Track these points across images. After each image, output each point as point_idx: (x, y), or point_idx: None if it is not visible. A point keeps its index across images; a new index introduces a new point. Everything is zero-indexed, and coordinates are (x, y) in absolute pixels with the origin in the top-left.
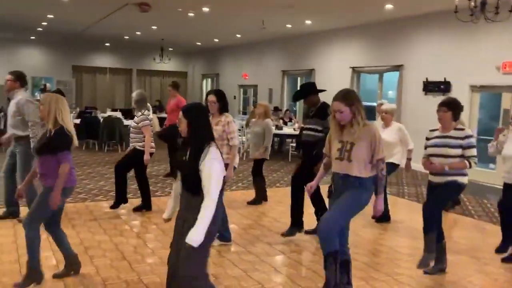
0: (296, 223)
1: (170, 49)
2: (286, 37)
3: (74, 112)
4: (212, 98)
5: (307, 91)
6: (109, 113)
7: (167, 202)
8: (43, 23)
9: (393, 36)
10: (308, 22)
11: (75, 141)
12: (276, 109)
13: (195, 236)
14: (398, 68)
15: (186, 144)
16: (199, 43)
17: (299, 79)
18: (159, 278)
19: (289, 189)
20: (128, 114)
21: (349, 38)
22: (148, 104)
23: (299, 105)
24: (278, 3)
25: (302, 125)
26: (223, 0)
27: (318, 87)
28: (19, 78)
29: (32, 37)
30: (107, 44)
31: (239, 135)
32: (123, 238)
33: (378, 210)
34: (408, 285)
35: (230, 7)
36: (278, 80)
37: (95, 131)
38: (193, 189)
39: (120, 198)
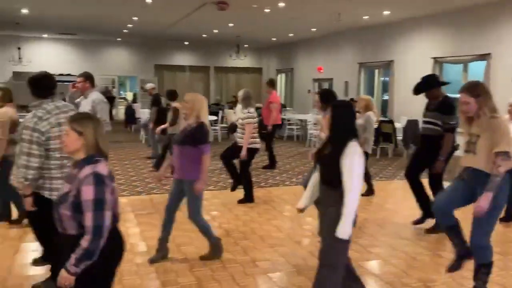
0: (427, 213)
1: (246, 45)
2: (363, 29)
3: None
4: (315, 97)
5: (430, 84)
6: None
7: (303, 193)
8: (128, 25)
9: (478, 22)
10: (386, 12)
11: (211, 136)
12: (352, 101)
13: (344, 230)
14: (484, 57)
15: (328, 138)
16: (274, 39)
17: (376, 71)
18: (241, 266)
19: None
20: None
21: (430, 26)
22: (252, 102)
23: (376, 97)
24: None
25: (423, 118)
26: None
27: (398, 79)
28: (89, 78)
29: (118, 39)
30: (186, 43)
31: (315, 129)
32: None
33: (479, 207)
34: None
35: (306, 1)
36: (354, 72)
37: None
38: (332, 183)
39: (238, 180)
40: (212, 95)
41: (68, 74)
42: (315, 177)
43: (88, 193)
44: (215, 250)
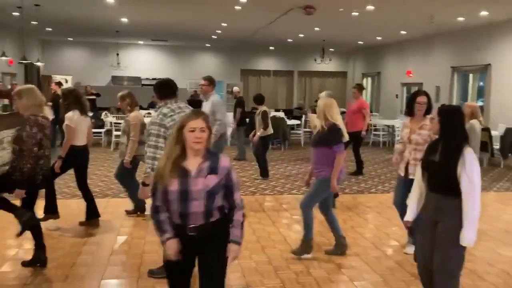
0: None
1: (331, 49)
2: (457, 30)
3: None
4: (423, 99)
5: None
6: (272, 113)
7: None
8: (217, 31)
9: None
10: (484, 13)
11: (346, 136)
12: None
13: (469, 236)
14: None
15: (436, 144)
16: (361, 42)
17: (471, 75)
18: (326, 272)
19: None
20: (290, 114)
21: None
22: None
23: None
24: None
25: None
26: None
27: (495, 83)
28: (212, 82)
29: (207, 45)
30: (271, 48)
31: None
32: (291, 232)
33: None
34: None
35: (397, 4)
36: (446, 77)
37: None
38: (446, 190)
39: None
40: (295, 99)
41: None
42: (418, 188)
43: (234, 176)
44: (306, 247)
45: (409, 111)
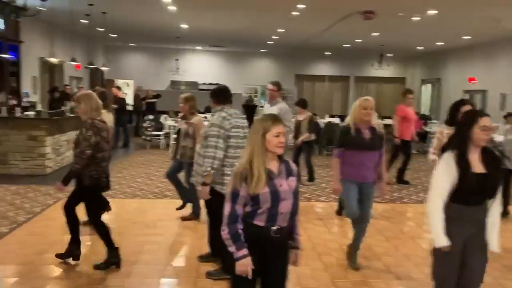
0: None
1: (389, 55)
2: None
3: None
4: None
5: None
6: (327, 119)
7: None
8: (273, 37)
9: None
10: None
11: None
12: (510, 115)
13: (499, 242)
14: None
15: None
16: (421, 47)
17: None
18: (384, 283)
19: None
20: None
21: None
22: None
23: None
24: None
25: None
26: (453, 1)
27: None
28: (280, 87)
29: (262, 50)
30: (327, 53)
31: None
32: (347, 240)
33: None
34: None
35: (462, 8)
36: None
37: (316, 136)
38: (487, 201)
39: None
40: (350, 105)
41: (217, 84)
42: (440, 205)
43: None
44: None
45: (452, 121)
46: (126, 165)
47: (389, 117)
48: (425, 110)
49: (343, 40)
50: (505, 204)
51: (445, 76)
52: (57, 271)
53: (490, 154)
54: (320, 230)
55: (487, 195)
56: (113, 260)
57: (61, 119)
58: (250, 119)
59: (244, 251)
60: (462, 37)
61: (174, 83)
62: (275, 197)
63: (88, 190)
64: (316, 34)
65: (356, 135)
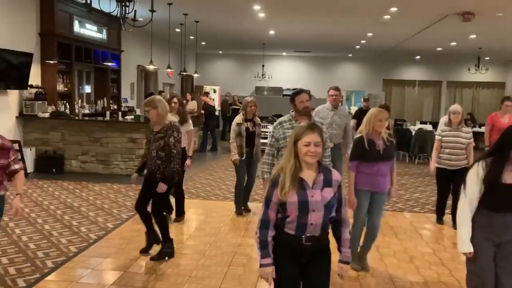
0: None
1: (487, 58)
2: None
3: None
4: None
5: None
6: (418, 125)
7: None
8: (361, 41)
9: None
10: None
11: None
12: None
13: None
14: None
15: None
16: None
17: None
18: None
19: None
20: (437, 126)
21: None
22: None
23: None
24: None
25: None
26: None
27: None
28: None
29: (349, 55)
30: (417, 57)
31: None
32: (447, 253)
33: None
34: None
35: None
36: None
37: (407, 143)
38: None
39: None
40: (442, 111)
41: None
42: (468, 212)
43: (343, 191)
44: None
45: None
46: (215, 168)
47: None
48: None
49: (437, 43)
50: None
51: None
52: (158, 267)
53: None
54: (417, 243)
55: None
56: (167, 251)
57: None
58: None
59: (268, 260)
60: None
61: (258, 89)
62: (303, 207)
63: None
64: (407, 38)
65: (370, 147)
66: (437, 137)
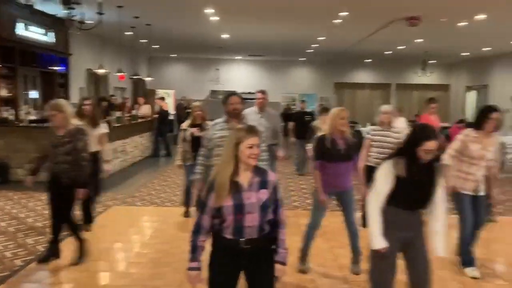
0: None
1: (432, 61)
2: None
3: None
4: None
5: None
6: (369, 126)
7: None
8: (313, 45)
9: None
10: None
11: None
12: None
13: (446, 246)
14: None
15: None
16: (466, 53)
17: None
18: None
19: None
20: None
21: None
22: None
23: None
24: None
25: None
26: (504, 5)
27: None
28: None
29: (301, 58)
30: (367, 60)
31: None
32: None
33: None
34: None
35: None
36: None
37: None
38: (427, 205)
39: None
40: None
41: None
42: (378, 208)
43: (279, 192)
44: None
45: (479, 126)
46: (169, 173)
47: None
48: (469, 117)
49: (385, 47)
50: None
51: (492, 83)
52: (109, 277)
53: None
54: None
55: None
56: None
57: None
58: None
59: (195, 264)
60: (511, 42)
61: (214, 93)
62: (239, 210)
63: (70, 189)
64: (357, 42)
65: (331, 146)
66: (366, 136)
